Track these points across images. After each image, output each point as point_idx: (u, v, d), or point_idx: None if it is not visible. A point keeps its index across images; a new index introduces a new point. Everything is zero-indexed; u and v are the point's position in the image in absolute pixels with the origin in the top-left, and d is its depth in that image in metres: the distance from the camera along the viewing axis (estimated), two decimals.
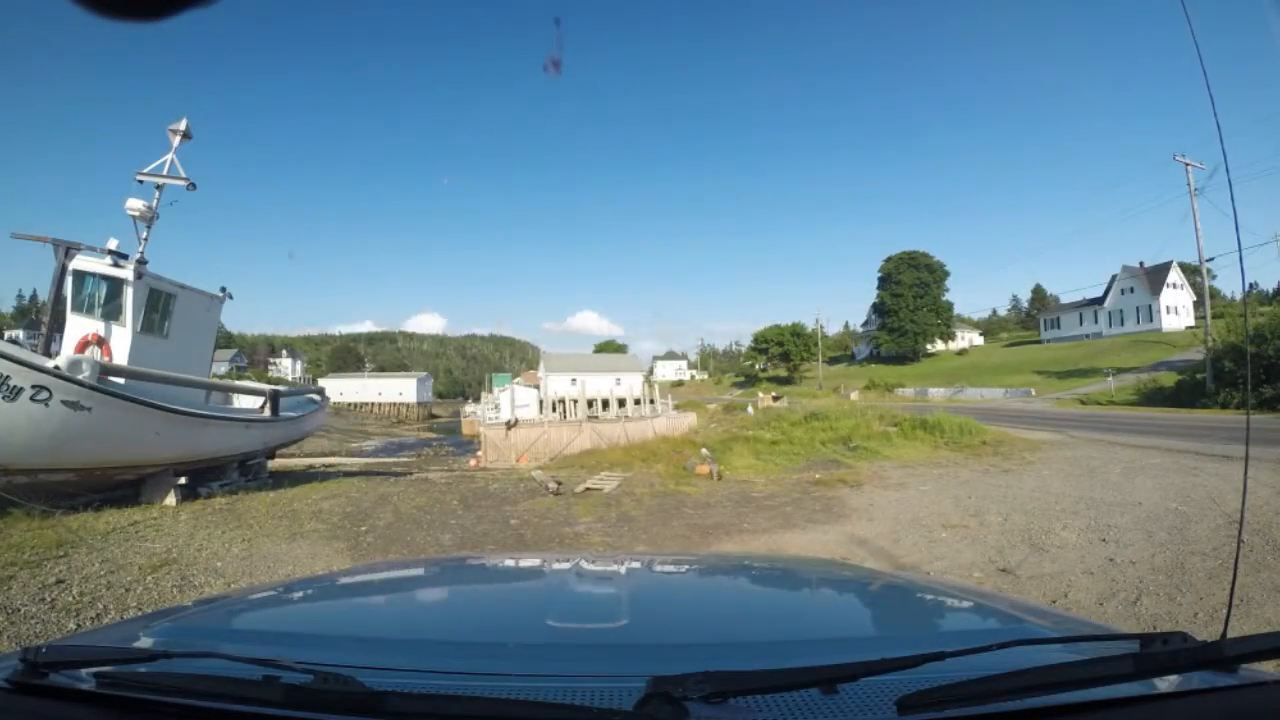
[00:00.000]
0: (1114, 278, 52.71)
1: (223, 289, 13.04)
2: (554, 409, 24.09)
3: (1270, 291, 51.07)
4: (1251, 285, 50.58)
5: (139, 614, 4.33)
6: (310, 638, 1.10)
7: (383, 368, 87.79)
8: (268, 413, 13.57)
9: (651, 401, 28.93)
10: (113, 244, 10.74)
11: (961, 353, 59.17)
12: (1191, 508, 6.94)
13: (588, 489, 11.72)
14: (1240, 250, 1.48)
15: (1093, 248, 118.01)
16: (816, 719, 0.76)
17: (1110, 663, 0.77)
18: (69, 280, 10.54)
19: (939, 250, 72.39)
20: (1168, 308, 48.34)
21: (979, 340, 67.61)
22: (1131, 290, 50.66)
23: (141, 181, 11.40)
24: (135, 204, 11.15)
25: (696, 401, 40.73)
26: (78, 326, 10.47)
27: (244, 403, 13.81)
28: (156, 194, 11.36)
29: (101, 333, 10.40)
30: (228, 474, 11.82)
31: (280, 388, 16.67)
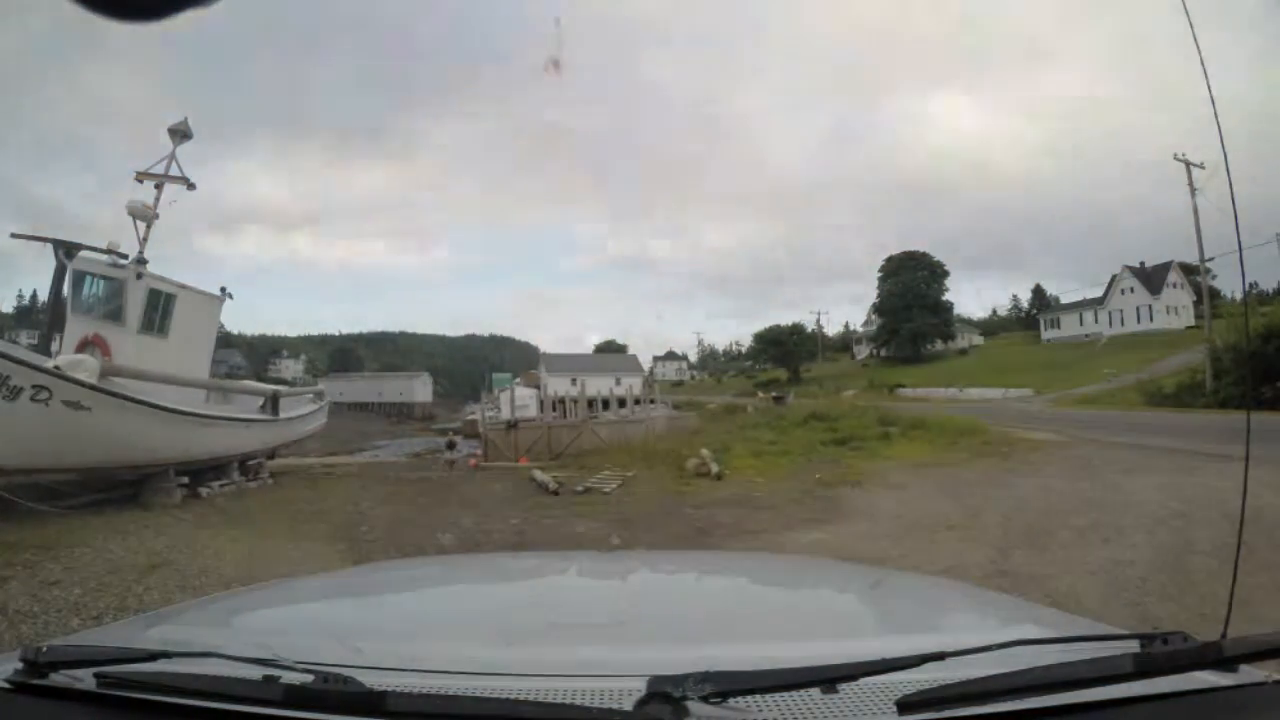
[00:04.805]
0: (1114, 278, 52.67)
1: (223, 289, 13.07)
2: (554, 409, 24.06)
3: (1270, 291, 51.05)
4: (1252, 285, 50.54)
5: (139, 614, 4.34)
6: (310, 638, 1.10)
7: (383, 368, 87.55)
8: (268, 413, 13.58)
9: (652, 401, 28.89)
10: (112, 244, 10.77)
11: (962, 353, 59.08)
12: (1192, 507, 6.93)
13: (588, 489, 11.72)
14: (1240, 250, 1.47)
15: (1093, 247, 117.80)
16: (816, 719, 0.76)
17: (1110, 662, 0.77)
18: (69, 280, 10.55)
19: (939, 250, 72.19)
20: (1168, 308, 48.31)
21: (979, 340, 67.58)
22: (1131, 290, 50.64)
23: (141, 181, 11.42)
24: (135, 204, 11.16)
25: (697, 402, 40.68)
26: (78, 326, 10.48)
27: (244, 403, 13.82)
28: (156, 193, 11.37)
29: (101, 333, 10.40)
30: (228, 474, 11.82)
31: (280, 388, 16.68)
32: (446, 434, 22.83)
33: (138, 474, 9.79)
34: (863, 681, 0.77)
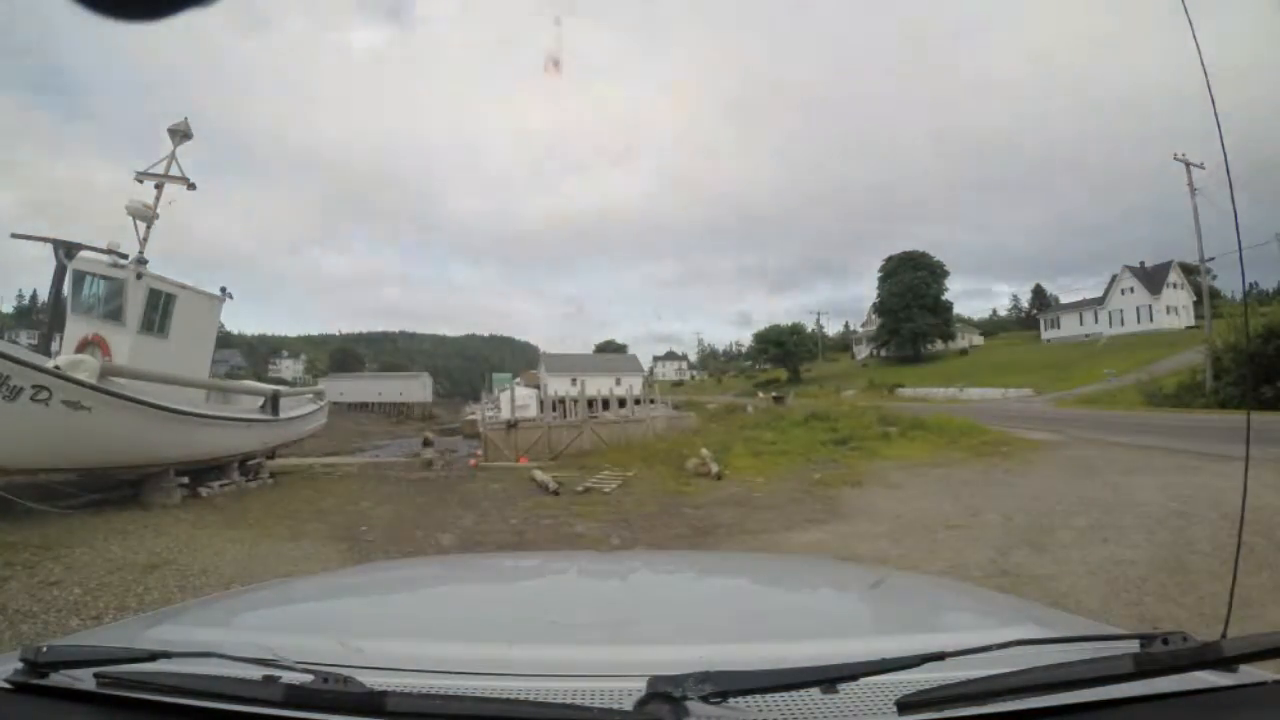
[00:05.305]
0: (1114, 278, 52.69)
1: (223, 289, 13.05)
2: (554, 409, 24.04)
3: (1270, 291, 51.04)
4: (1252, 285, 50.50)
5: (139, 614, 4.34)
6: (310, 638, 1.10)
7: (383, 368, 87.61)
8: (268, 413, 13.58)
9: (652, 401, 28.89)
10: (112, 244, 10.77)
11: (963, 353, 59.06)
12: (1192, 507, 6.94)
13: (588, 489, 11.72)
14: (1240, 250, 1.48)
15: (1093, 248, 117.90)
16: (816, 719, 0.76)
17: (1110, 662, 0.77)
18: (69, 280, 10.55)
19: (939, 250, 72.07)
20: (1168, 308, 48.30)
21: (979, 340, 67.59)
22: (1131, 290, 50.64)
23: (141, 181, 11.41)
24: (135, 204, 11.15)
25: (697, 402, 40.68)
26: (78, 326, 10.47)
27: (244, 403, 13.82)
28: (156, 193, 11.36)
29: (101, 333, 10.39)
30: (228, 474, 11.82)
31: (280, 388, 16.68)
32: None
33: (138, 474, 9.79)
34: (863, 681, 0.77)
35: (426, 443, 18.40)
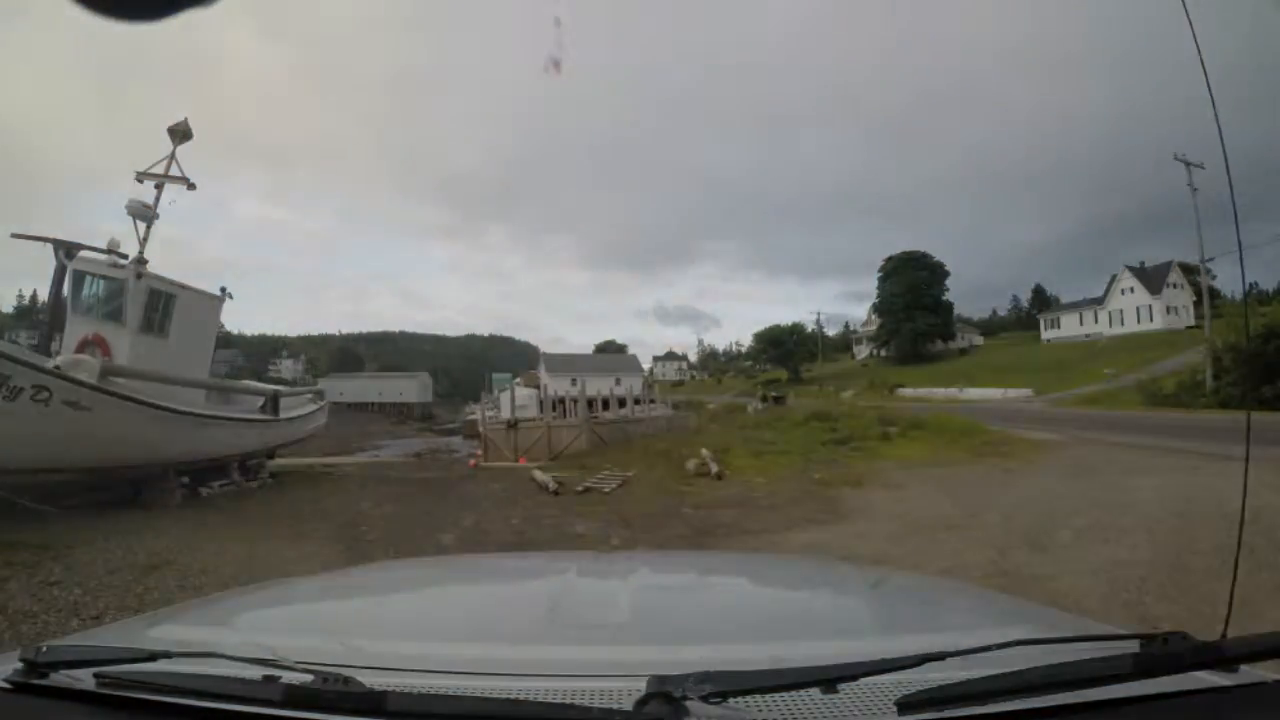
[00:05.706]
0: (1114, 278, 52.68)
1: (223, 289, 13.06)
2: (554, 409, 24.03)
3: (1270, 291, 51.01)
4: (1252, 285, 50.44)
5: (139, 614, 4.34)
6: (310, 638, 1.10)
7: (383, 368, 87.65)
8: (268, 413, 13.58)
9: (652, 402, 28.92)
10: (111, 243, 10.77)
11: (963, 352, 59.04)
12: (1192, 507, 6.93)
13: (588, 489, 11.71)
14: (1240, 250, 1.48)
15: (1093, 248, 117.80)
16: (816, 719, 0.76)
17: (1110, 662, 0.76)
18: (69, 280, 10.55)
19: (940, 250, 72.03)
20: (1168, 308, 48.29)
21: (980, 340, 67.58)
22: (1131, 290, 50.62)
23: (141, 181, 11.40)
24: (135, 204, 11.15)
25: (697, 402, 40.73)
26: (78, 326, 10.48)
27: (244, 403, 13.82)
28: (156, 193, 11.36)
29: (101, 333, 10.39)
30: (228, 474, 11.83)
31: (280, 388, 16.68)
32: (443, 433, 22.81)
33: (138, 474, 9.79)
34: (863, 681, 0.77)
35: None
